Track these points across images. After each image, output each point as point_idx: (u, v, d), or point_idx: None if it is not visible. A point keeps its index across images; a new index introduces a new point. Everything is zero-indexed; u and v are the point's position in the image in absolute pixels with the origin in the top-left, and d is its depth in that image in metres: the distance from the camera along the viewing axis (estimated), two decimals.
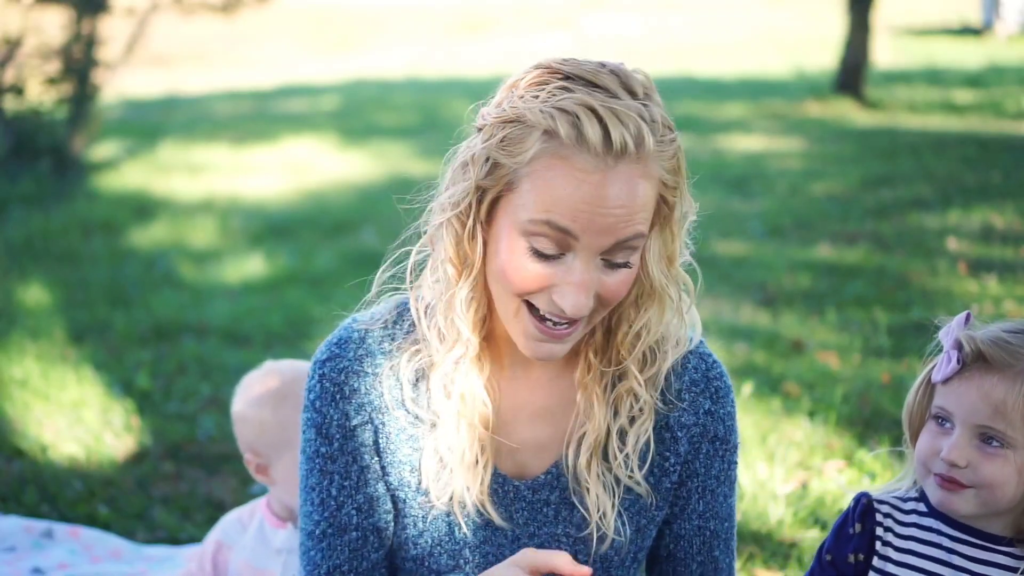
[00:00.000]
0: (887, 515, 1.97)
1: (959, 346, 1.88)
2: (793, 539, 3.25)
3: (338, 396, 1.89)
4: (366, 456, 1.89)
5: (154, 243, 7.31)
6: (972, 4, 21.12)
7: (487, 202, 1.74)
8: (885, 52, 15.27)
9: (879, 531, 1.96)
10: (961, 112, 11.44)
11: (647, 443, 1.89)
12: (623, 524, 1.91)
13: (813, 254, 6.50)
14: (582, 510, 1.91)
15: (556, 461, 1.91)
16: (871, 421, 4.01)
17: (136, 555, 3.31)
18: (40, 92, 9.32)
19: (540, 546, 1.91)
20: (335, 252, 6.92)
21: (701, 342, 1.95)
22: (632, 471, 1.89)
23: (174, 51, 18.24)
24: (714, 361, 1.94)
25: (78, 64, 9.32)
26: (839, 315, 5.30)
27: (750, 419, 4.07)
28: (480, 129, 1.76)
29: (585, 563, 1.92)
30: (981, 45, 17.93)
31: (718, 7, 25.06)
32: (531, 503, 1.91)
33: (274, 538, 2.62)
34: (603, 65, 1.70)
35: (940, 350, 1.92)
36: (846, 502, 3.42)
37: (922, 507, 1.96)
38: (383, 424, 1.89)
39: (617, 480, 1.90)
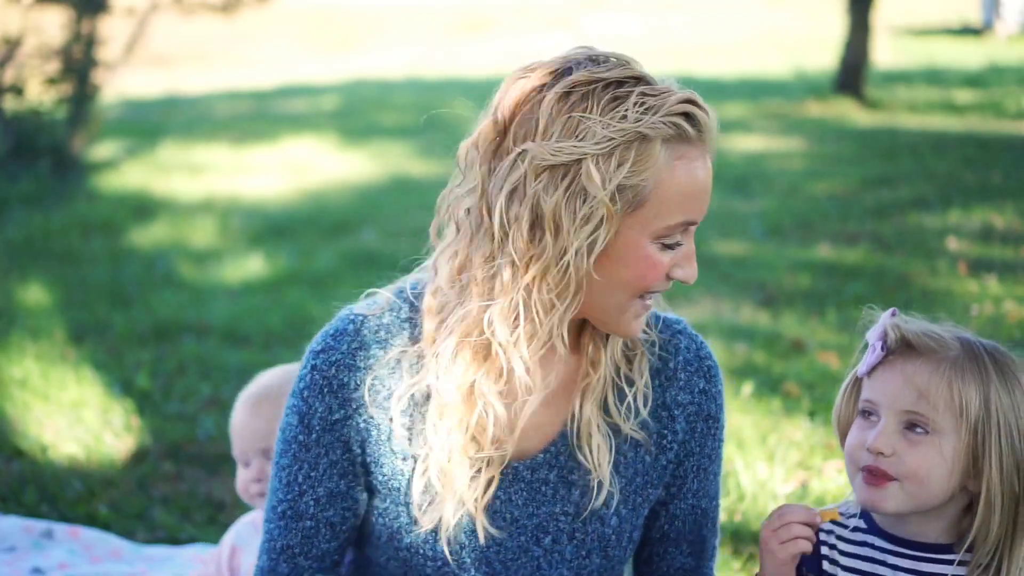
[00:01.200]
0: (833, 535, 1.96)
1: (884, 335, 1.89)
2: None
3: (326, 389, 1.91)
4: (338, 451, 1.92)
5: (154, 243, 7.31)
6: (972, 4, 21.11)
7: (612, 234, 1.77)
8: (885, 52, 15.26)
9: (824, 550, 1.95)
10: (961, 112, 11.44)
11: (646, 385, 1.94)
12: (616, 480, 1.93)
13: (813, 254, 6.49)
14: (583, 482, 1.92)
15: (553, 439, 1.93)
16: None
17: (136, 555, 3.31)
18: (40, 92, 9.32)
19: (538, 526, 1.93)
20: (335, 252, 6.92)
21: (685, 323, 2.01)
22: (634, 415, 1.93)
23: (174, 51, 18.23)
24: (702, 341, 2.02)
25: (78, 64, 9.32)
26: (839, 315, 5.30)
27: (750, 419, 4.07)
28: (549, 168, 1.72)
29: (583, 542, 1.93)
30: (981, 45, 17.92)
31: (718, 7, 25.05)
32: (529, 483, 1.93)
33: None
34: (615, 59, 1.78)
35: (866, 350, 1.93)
36: None
37: (863, 524, 1.95)
38: (370, 418, 1.91)
39: (616, 430, 1.93)
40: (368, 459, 1.93)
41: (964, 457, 1.84)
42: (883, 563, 1.91)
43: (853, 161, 9.19)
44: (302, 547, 1.96)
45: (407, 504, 1.92)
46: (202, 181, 9.12)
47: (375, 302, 1.97)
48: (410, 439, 1.90)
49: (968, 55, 16.10)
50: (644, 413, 1.93)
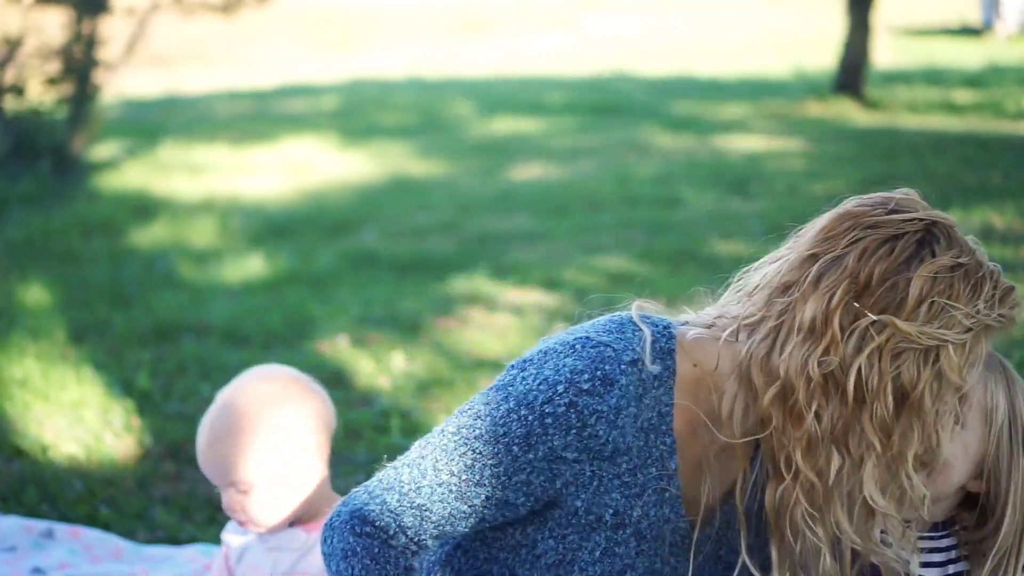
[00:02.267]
0: None
1: None
2: None
3: (573, 432, 1.83)
4: (542, 478, 1.85)
5: (154, 243, 7.31)
6: (972, 4, 21.10)
7: None
8: (885, 52, 15.25)
9: None
10: (961, 112, 11.43)
11: None
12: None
13: None
14: (728, 558, 1.97)
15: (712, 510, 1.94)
16: None
17: (136, 555, 3.31)
18: (40, 92, 9.30)
19: None
20: (335, 252, 6.92)
21: None
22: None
23: (174, 51, 18.21)
24: None
25: (78, 64, 9.31)
26: None
27: None
28: (913, 349, 1.75)
29: None
30: (981, 45, 17.92)
31: (718, 7, 25.04)
32: (699, 543, 1.96)
33: (269, 537, 2.62)
34: (972, 241, 1.87)
35: None
36: None
37: None
38: (595, 471, 1.85)
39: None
40: (566, 496, 1.88)
41: (980, 455, 1.89)
42: None
43: (853, 161, 9.19)
44: (440, 520, 1.88)
45: (596, 544, 1.90)
46: (202, 181, 9.12)
47: (639, 344, 1.89)
48: (628, 498, 1.89)
49: (968, 55, 16.09)
50: None
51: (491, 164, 9.59)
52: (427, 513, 1.88)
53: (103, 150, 10.16)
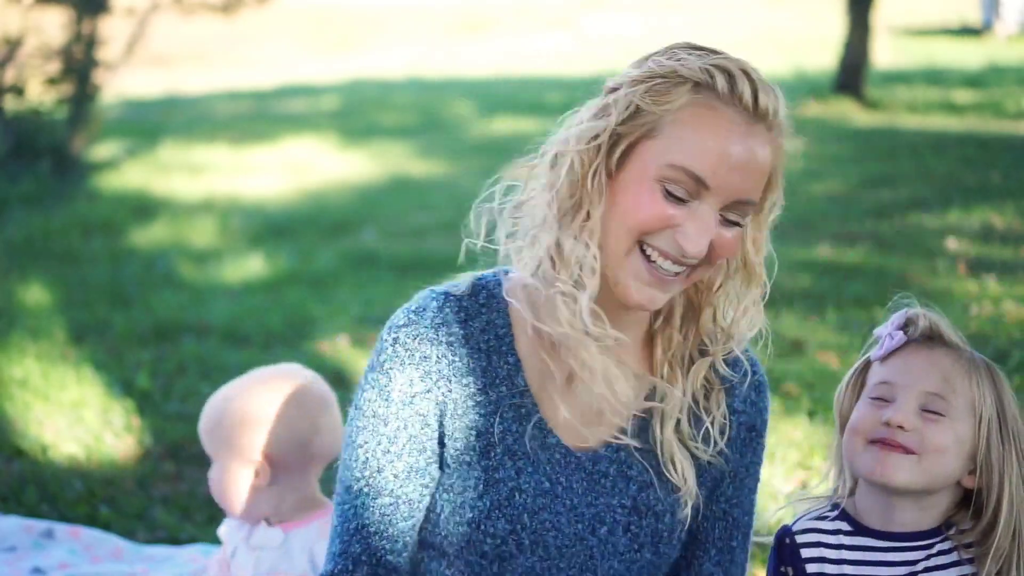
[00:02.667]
0: (816, 547, 1.97)
1: (906, 323, 1.99)
2: None
3: (408, 361, 1.94)
4: (417, 425, 1.95)
5: (154, 243, 7.32)
6: (972, 4, 21.10)
7: (621, 148, 1.84)
8: (885, 52, 15.25)
9: (811, 568, 1.96)
10: (961, 112, 11.44)
11: (724, 417, 2.00)
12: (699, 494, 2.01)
13: (813, 254, 6.49)
14: (641, 477, 1.97)
15: (614, 436, 1.97)
16: None
17: (136, 555, 3.31)
18: (40, 92, 9.31)
19: (595, 515, 1.97)
20: (335, 252, 6.92)
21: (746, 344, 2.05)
22: (710, 446, 1.98)
23: (174, 51, 18.22)
24: (756, 358, 2.06)
25: (78, 64, 9.32)
26: (839, 315, 5.30)
27: None
28: (613, 89, 1.86)
29: (636, 535, 1.98)
30: (981, 45, 17.92)
31: (718, 7, 25.05)
32: (590, 474, 1.98)
33: (252, 535, 2.63)
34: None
35: (874, 344, 2.01)
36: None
37: (846, 526, 1.97)
38: (449, 392, 1.94)
39: (693, 455, 1.99)
40: (443, 432, 1.96)
41: (971, 448, 1.91)
42: (873, 562, 1.94)
43: (853, 161, 9.19)
44: (379, 526, 1.97)
45: (476, 478, 1.95)
46: (202, 181, 9.12)
47: (457, 284, 2.02)
48: (485, 416, 1.95)
49: (968, 55, 16.09)
50: (722, 443, 1.99)
51: (491, 164, 9.56)
52: (366, 528, 1.96)
53: (103, 150, 10.17)
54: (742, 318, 1.96)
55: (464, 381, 1.95)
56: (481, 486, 1.94)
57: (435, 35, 23.02)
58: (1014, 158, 9.01)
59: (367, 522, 1.96)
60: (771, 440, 3.86)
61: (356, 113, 12.89)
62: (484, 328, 1.96)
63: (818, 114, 11.44)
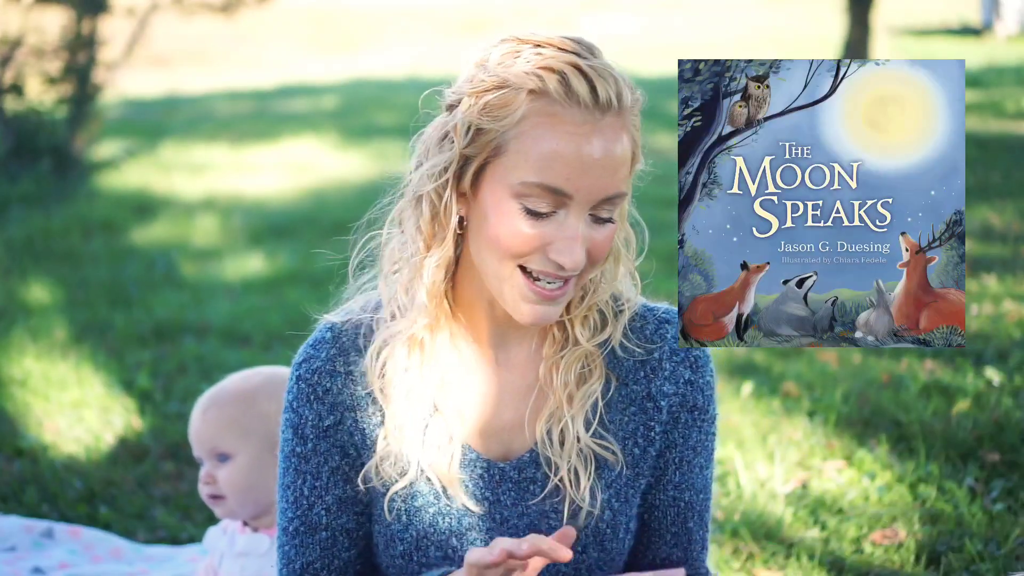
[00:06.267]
0: None
1: None
2: (793, 539, 3.25)
3: (312, 397, 1.92)
4: (336, 457, 1.93)
5: (155, 243, 7.32)
6: (972, 4, 21.11)
7: (471, 172, 1.78)
8: (885, 52, 15.25)
9: None
10: None
11: (606, 405, 1.91)
12: (597, 494, 1.91)
13: None
14: (561, 485, 1.91)
15: (535, 441, 1.92)
16: (871, 421, 4.01)
17: (137, 555, 3.31)
18: (40, 92, 9.31)
19: (529, 524, 1.92)
20: (336, 252, 6.91)
21: (674, 312, 1.96)
22: (597, 434, 1.91)
23: (174, 51, 18.22)
24: (676, 334, 1.96)
25: (78, 64, 9.32)
26: None
27: (750, 419, 4.08)
28: (452, 106, 1.80)
29: (578, 538, 1.91)
30: (981, 45, 17.93)
31: (718, 7, 25.05)
32: (518, 483, 1.92)
33: (236, 542, 2.63)
34: (563, 35, 1.78)
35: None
36: (846, 502, 3.43)
37: None
38: (358, 421, 1.92)
39: (591, 449, 1.91)
40: (364, 460, 1.93)
41: None
42: None
43: None
44: (322, 560, 1.96)
45: (397, 508, 1.92)
46: (202, 181, 9.12)
47: (347, 310, 2.02)
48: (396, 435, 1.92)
49: (968, 55, 16.09)
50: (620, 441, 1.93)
51: None
52: (311, 565, 1.95)
53: (104, 150, 10.17)
54: (617, 291, 1.92)
55: (369, 410, 1.92)
56: (404, 516, 1.92)
57: (435, 35, 23.02)
58: (1014, 158, 9.00)
59: (310, 559, 1.95)
60: (771, 440, 3.87)
61: (356, 113, 12.89)
62: (380, 351, 1.91)
63: None
